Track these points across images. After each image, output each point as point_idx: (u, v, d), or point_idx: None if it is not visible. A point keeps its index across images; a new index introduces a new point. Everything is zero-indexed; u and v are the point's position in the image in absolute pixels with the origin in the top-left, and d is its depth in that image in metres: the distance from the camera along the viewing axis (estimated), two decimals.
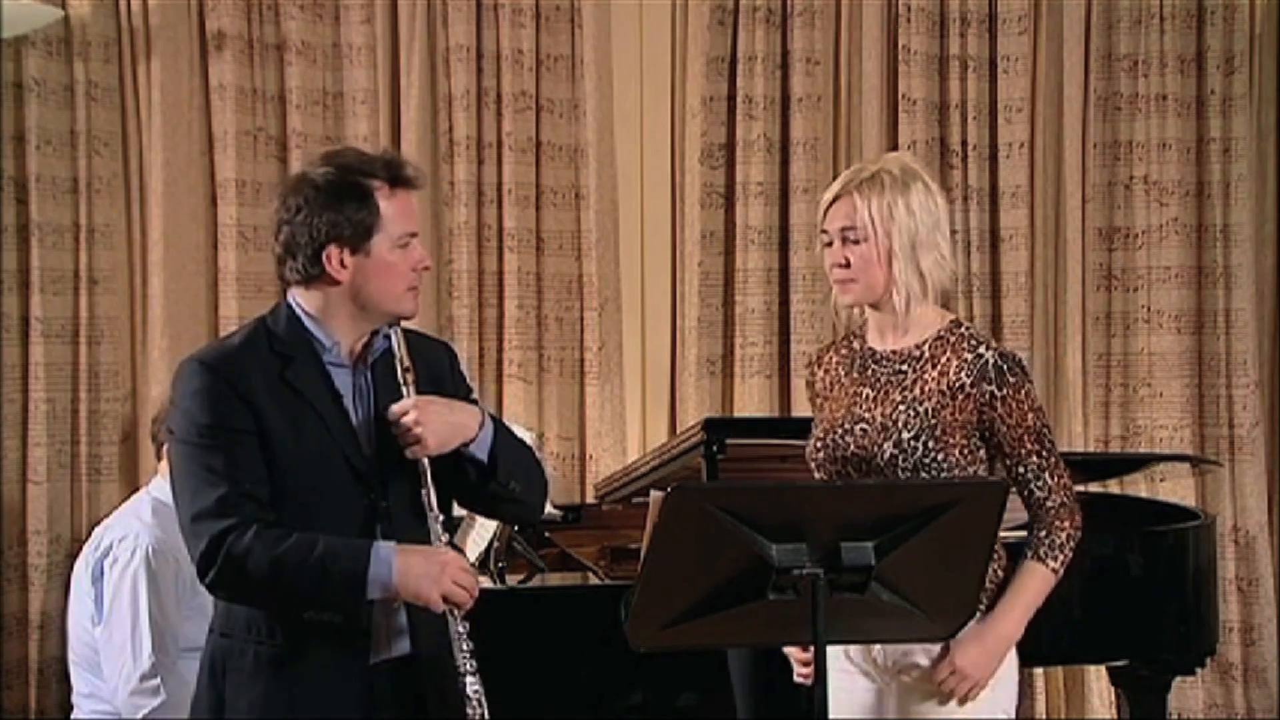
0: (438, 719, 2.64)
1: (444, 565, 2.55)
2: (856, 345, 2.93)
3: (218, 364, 2.58)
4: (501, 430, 2.70)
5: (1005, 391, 2.77)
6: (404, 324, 2.69)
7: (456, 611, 2.58)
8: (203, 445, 2.53)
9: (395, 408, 2.59)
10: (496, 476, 2.65)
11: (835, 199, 2.83)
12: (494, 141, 5.19)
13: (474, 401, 2.77)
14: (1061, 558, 2.80)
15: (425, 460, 2.59)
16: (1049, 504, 2.79)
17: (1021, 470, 2.79)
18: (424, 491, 2.60)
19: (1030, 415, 2.79)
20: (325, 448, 2.57)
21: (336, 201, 2.56)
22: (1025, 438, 2.79)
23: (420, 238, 2.68)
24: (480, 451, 2.64)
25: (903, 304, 2.82)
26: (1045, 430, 2.81)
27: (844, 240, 2.81)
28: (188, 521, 2.54)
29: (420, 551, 2.56)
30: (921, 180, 2.83)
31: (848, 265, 2.81)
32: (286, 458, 2.55)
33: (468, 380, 2.84)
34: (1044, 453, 2.80)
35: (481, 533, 3.90)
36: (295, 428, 2.56)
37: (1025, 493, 2.80)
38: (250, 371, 2.57)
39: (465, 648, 2.59)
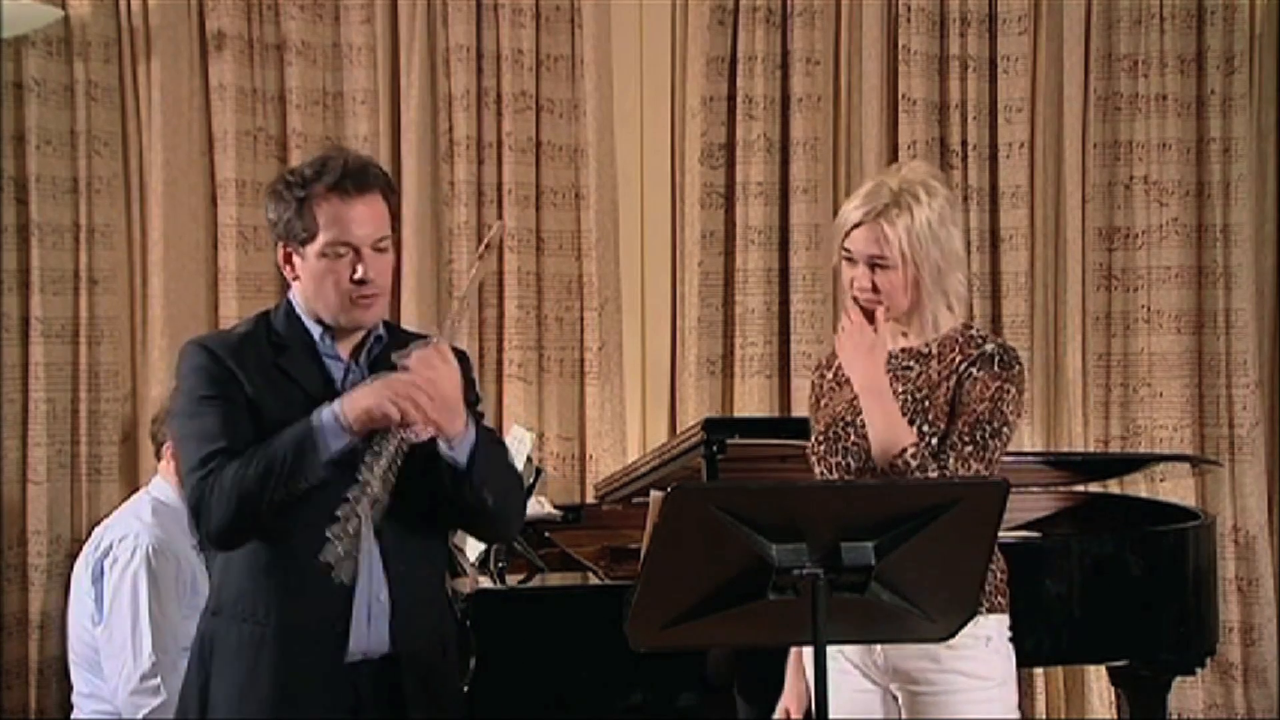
0: (421, 719, 2.65)
1: (388, 380, 2.52)
2: None
3: (216, 346, 2.67)
4: (484, 441, 2.67)
5: (981, 374, 2.77)
6: (408, 327, 2.70)
7: (402, 431, 2.50)
8: (199, 413, 2.60)
9: (416, 355, 2.55)
10: (471, 482, 2.60)
11: (860, 224, 2.80)
12: (494, 141, 5.19)
13: (479, 413, 2.76)
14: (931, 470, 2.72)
15: (393, 444, 2.54)
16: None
17: (939, 443, 2.75)
18: (386, 452, 2.52)
19: (984, 405, 2.75)
20: None
21: (283, 201, 2.64)
22: (964, 418, 2.75)
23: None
24: (460, 455, 2.60)
25: (930, 324, 2.84)
26: (989, 429, 2.74)
27: (872, 266, 2.80)
28: (185, 486, 2.61)
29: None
30: (941, 195, 2.82)
31: (875, 290, 2.81)
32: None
33: (477, 388, 2.84)
34: (970, 445, 2.74)
35: None
36: (286, 410, 2.60)
37: (933, 465, 2.73)
38: (247, 357, 2.64)
39: (377, 469, 2.48)
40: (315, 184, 2.61)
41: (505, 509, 2.74)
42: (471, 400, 2.74)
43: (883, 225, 2.77)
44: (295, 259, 2.65)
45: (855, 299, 2.85)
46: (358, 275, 2.60)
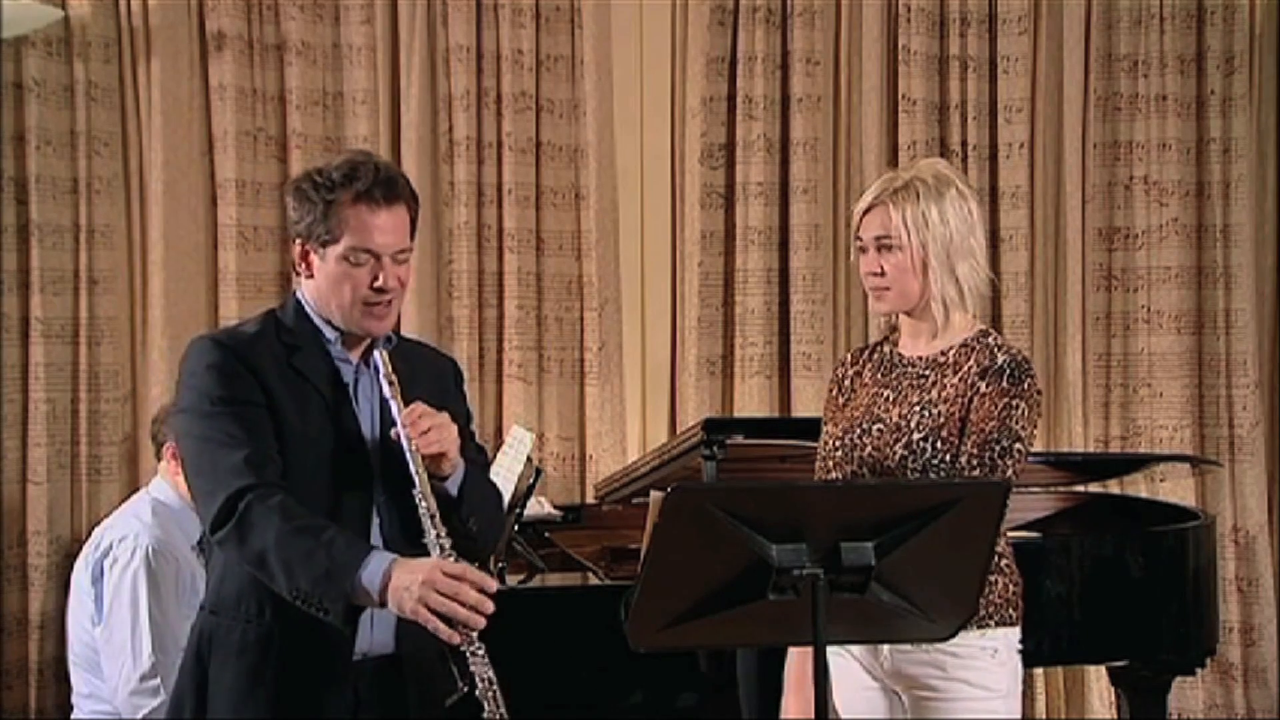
0: (420, 719, 2.65)
1: (419, 579, 2.44)
2: (887, 350, 2.96)
3: (230, 342, 2.63)
4: (473, 469, 2.70)
5: (989, 390, 2.77)
6: (412, 331, 2.70)
7: (440, 625, 2.45)
8: (218, 413, 2.55)
9: (420, 415, 2.58)
10: (460, 511, 2.64)
11: (869, 208, 2.85)
12: (494, 141, 5.19)
13: (470, 431, 2.79)
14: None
15: (422, 472, 2.56)
16: None
17: (950, 462, 2.76)
18: (423, 502, 2.56)
19: (991, 423, 2.74)
20: (330, 433, 2.59)
21: (309, 201, 2.62)
22: (972, 438, 2.75)
23: (416, 243, 2.68)
24: (452, 486, 2.64)
25: (941, 311, 2.84)
26: (998, 448, 2.73)
27: (879, 249, 2.83)
28: (206, 484, 2.53)
29: (409, 566, 2.46)
30: (955, 187, 2.84)
31: (882, 274, 2.83)
32: (293, 439, 2.57)
33: (467, 400, 2.86)
34: (980, 467, 2.73)
35: None
36: (302, 411, 2.59)
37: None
38: (260, 354, 2.61)
39: (465, 658, 2.49)
40: (344, 189, 2.60)
41: (486, 535, 2.78)
42: (464, 417, 2.75)
43: (889, 205, 2.82)
44: (313, 258, 2.64)
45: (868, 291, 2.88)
46: (378, 284, 2.61)
